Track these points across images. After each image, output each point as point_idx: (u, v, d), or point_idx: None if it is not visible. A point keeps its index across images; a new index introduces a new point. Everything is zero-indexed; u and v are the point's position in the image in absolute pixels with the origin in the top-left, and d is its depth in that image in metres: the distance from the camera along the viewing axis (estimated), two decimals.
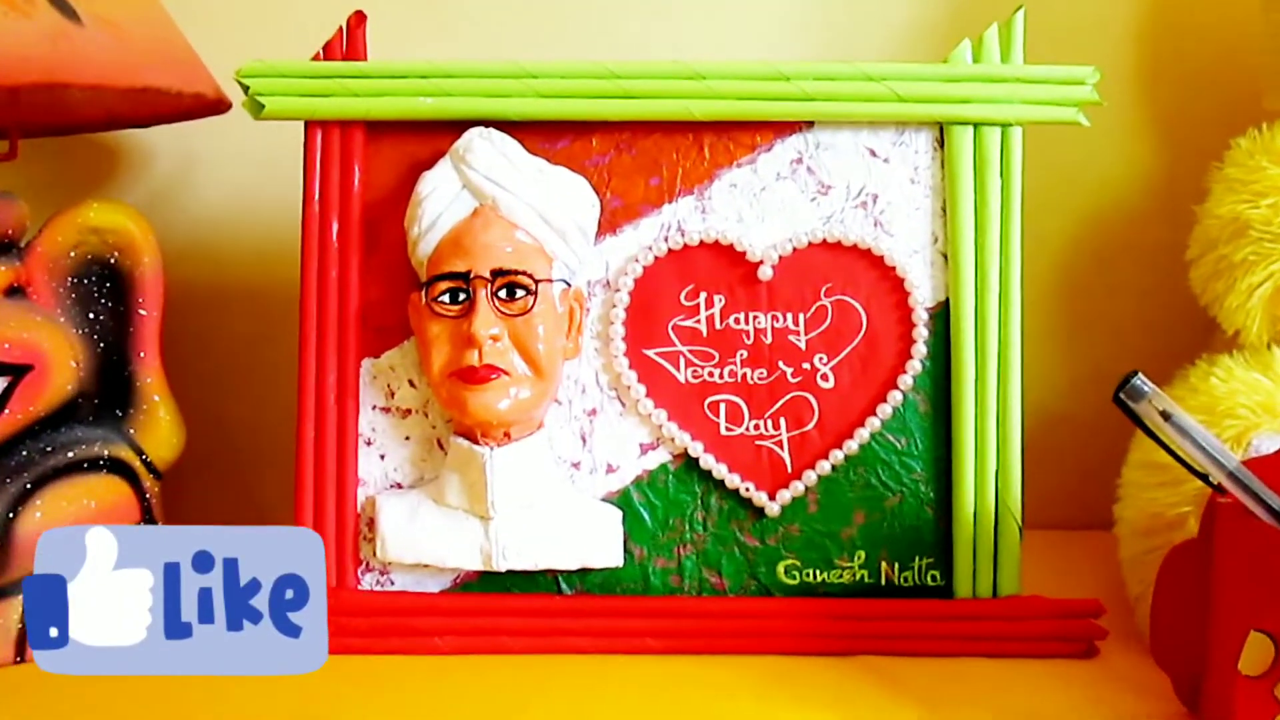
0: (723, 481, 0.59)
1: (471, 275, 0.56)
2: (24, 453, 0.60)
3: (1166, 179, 0.81)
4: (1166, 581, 0.51)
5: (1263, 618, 0.45)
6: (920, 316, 0.59)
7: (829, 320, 0.59)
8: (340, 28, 0.60)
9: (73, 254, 0.64)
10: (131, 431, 0.66)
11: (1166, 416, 0.49)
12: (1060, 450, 0.80)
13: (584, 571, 0.59)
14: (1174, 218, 0.72)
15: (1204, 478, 0.49)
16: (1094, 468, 0.70)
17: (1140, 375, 0.49)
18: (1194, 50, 0.81)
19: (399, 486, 0.60)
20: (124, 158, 0.83)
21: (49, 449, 0.61)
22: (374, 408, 0.60)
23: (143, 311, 0.65)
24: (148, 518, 0.66)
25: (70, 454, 0.61)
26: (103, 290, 0.65)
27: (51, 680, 0.44)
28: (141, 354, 0.66)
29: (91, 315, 0.65)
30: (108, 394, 0.65)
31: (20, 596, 0.58)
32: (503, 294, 0.56)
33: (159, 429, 0.66)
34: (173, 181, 0.83)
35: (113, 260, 0.65)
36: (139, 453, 0.65)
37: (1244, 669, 0.46)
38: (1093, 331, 0.83)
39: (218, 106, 0.67)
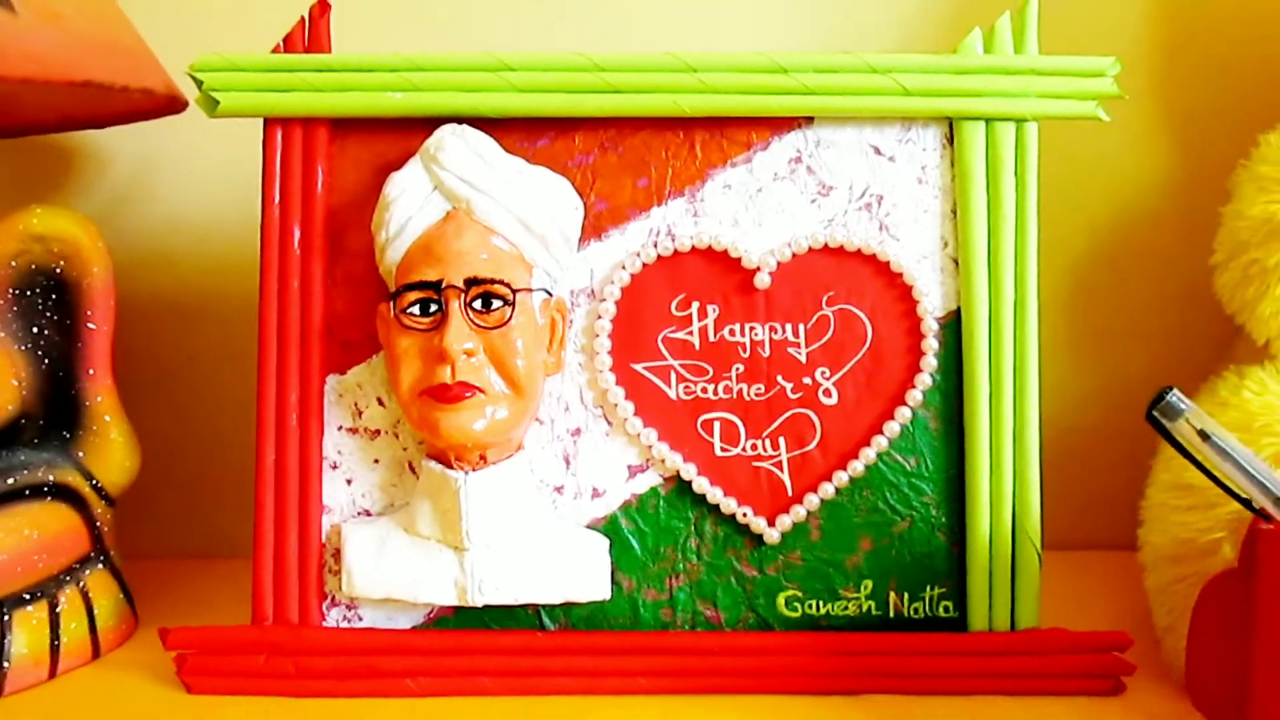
0: (718, 506, 0.56)
1: (444, 284, 0.52)
2: None
3: (1184, 178, 0.78)
4: (1203, 615, 0.49)
5: None
6: (930, 326, 0.56)
7: (831, 331, 0.56)
8: (302, 18, 0.57)
9: (14, 263, 0.60)
10: (80, 455, 0.62)
11: (1205, 437, 0.46)
12: (1074, 466, 0.77)
13: (568, 605, 0.56)
14: (1193, 219, 0.69)
15: (1246, 503, 0.47)
16: (1109, 484, 0.68)
17: (1176, 391, 0.46)
18: (1214, 40, 0.77)
19: (367, 514, 0.57)
20: (80, 161, 0.79)
21: None
22: (340, 428, 0.57)
23: (91, 325, 0.62)
24: (98, 548, 0.62)
25: (11, 480, 0.58)
26: (48, 303, 0.62)
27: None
28: (91, 371, 0.63)
29: (35, 330, 0.62)
30: (54, 414, 0.62)
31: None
32: (478, 305, 0.53)
33: (110, 452, 0.63)
34: (132, 186, 0.79)
35: (58, 270, 0.61)
36: (88, 477, 0.62)
37: None
38: (1106, 339, 0.80)
39: (171, 104, 0.63)
